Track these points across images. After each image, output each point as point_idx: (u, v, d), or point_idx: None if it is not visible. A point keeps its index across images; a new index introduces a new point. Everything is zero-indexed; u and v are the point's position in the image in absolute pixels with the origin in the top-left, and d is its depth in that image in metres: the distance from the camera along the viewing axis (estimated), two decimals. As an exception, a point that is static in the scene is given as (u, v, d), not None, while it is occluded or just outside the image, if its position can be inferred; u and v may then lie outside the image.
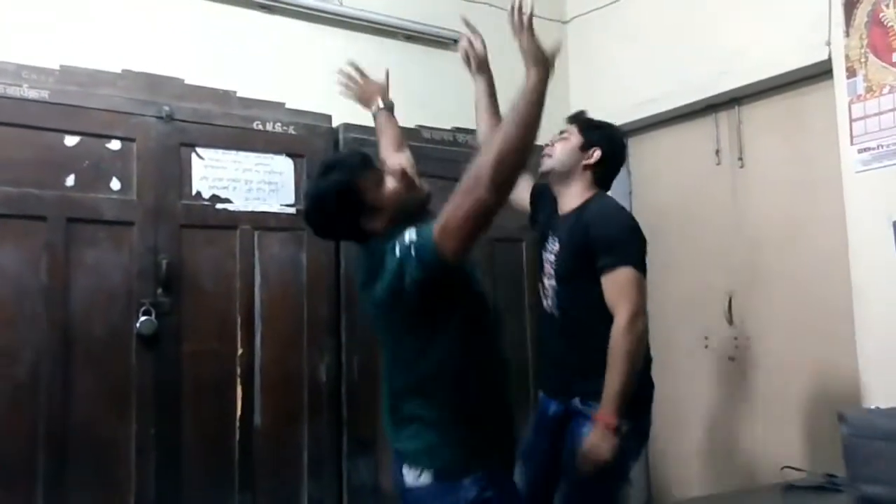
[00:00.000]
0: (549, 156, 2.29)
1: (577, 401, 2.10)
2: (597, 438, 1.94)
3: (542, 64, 1.53)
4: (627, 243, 2.08)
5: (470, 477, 1.61)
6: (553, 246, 2.24)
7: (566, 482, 2.11)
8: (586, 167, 2.24)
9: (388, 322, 1.72)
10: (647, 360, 2.18)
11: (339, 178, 1.69)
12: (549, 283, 2.22)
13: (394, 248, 1.58)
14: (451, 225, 1.49)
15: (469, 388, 1.66)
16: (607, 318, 2.03)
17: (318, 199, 1.72)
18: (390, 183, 1.71)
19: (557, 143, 2.29)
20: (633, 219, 2.21)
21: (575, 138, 2.26)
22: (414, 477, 1.66)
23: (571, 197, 2.25)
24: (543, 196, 2.42)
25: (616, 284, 2.01)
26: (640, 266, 2.06)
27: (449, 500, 1.62)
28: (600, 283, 2.05)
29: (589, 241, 2.09)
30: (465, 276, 1.67)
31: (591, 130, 2.29)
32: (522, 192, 2.46)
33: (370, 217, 1.69)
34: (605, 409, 1.95)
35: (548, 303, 2.24)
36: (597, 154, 2.24)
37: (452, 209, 1.50)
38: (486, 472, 1.63)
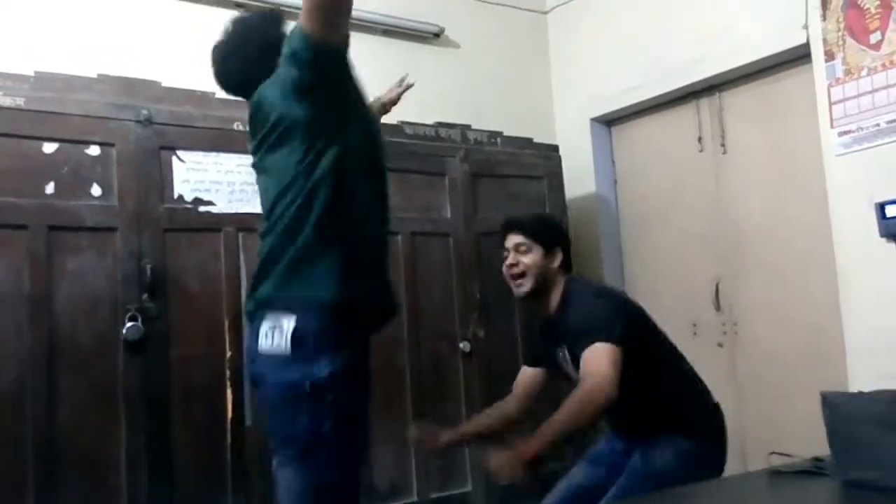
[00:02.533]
0: (522, 277, 2.15)
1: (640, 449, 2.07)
2: (506, 459, 1.82)
3: None
4: (601, 321, 2.00)
5: (328, 355, 1.53)
6: (565, 353, 2.17)
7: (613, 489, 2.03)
8: (557, 269, 2.17)
9: (275, 140, 1.65)
10: (704, 389, 2.15)
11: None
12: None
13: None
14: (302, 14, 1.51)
15: (346, 220, 1.59)
16: (647, 386, 2.02)
17: (246, 28, 1.78)
18: None
19: (523, 259, 2.15)
20: (603, 296, 2.15)
21: (536, 249, 2.15)
22: (268, 339, 1.56)
23: (554, 297, 2.18)
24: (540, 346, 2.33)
25: (587, 358, 1.94)
26: (618, 338, 1.96)
27: (294, 376, 1.53)
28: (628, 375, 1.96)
29: (581, 340, 2.01)
30: (353, 99, 1.64)
31: (544, 233, 2.19)
32: (524, 379, 2.35)
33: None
34: (532, 442, 1.84)
35: None
36: (560, 255, 2.18)
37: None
38: (348, 352, 1.55)
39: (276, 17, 1.83)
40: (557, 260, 2.17)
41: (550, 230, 2.24)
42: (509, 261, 2.18)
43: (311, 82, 1.56)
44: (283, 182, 1.64)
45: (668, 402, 2.10)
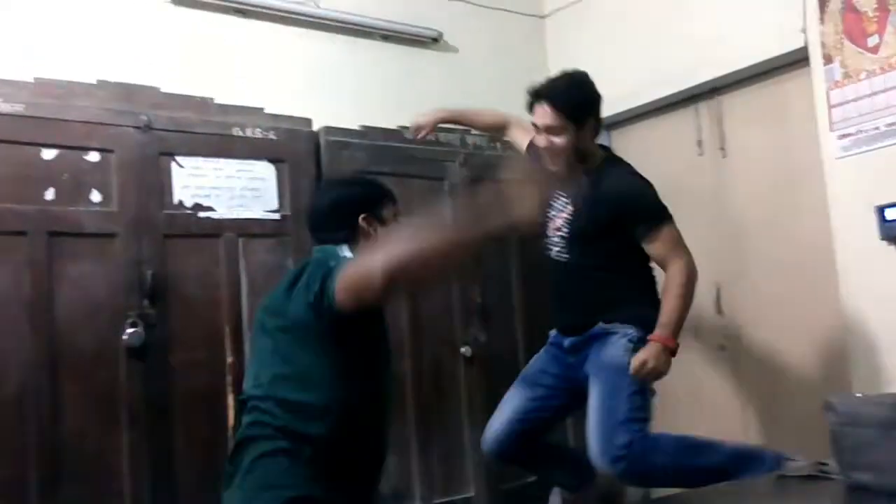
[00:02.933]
0: (553, 154, 2.14)
1: (599, 325, 2.16)
2: (652, 353, 2.04)
3: (510, 225, 1.42)
4: (657, 205, 2.16)
5: None
6: (562, 205, 2.24)
7: (596, 391, 2.12)
8: (590, 138, 2.19)
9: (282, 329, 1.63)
10: (651, 285, 2.27)
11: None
12: (557, 235, 2.24)
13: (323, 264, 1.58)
14: (346, 279, 1.47)
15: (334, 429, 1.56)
16: (623, 265, 2.17)
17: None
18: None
19: (556, 141, 2.13)
20: (645, 179, 2.24)
21: (570, 128, 2.13)
22: None
23: (588, 163, 2.22)
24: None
25: (662, 243, 2.13)
26: (671, 218, 2.16)
27: None
28: (617, 240, 2.15)
29: (618, 212, 2.14)
30: (366, 325, 1.61)
31: (578, 108, 2.16)
32: (520, 138, 2.47)
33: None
34: (665, 331, 2.06)
35: (557, 251, 2.26)
36: (592, 124, 2.20)
37: (356, 266, 1.49)
38: None
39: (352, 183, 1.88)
40: (590, 130, 2.16)
41: (583, 105, 2.17)
42: (542, 144, 2.16)
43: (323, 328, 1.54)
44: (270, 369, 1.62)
45: (636, 287, 2.22)
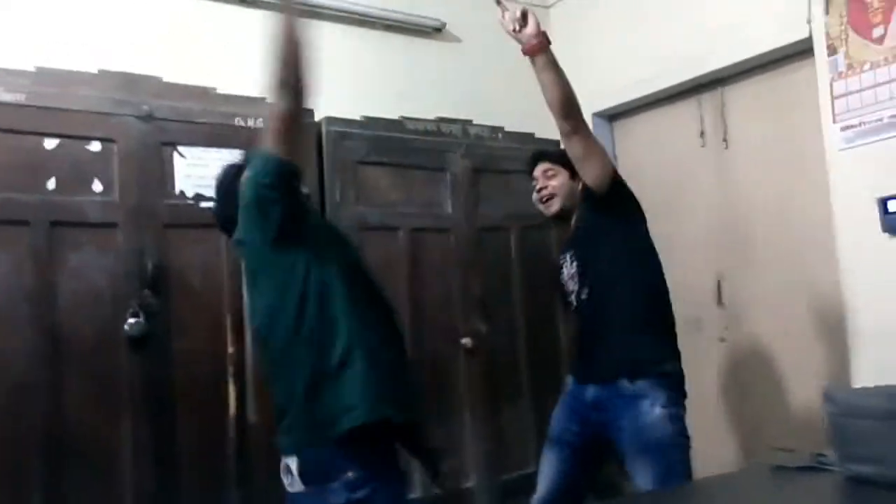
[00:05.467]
0: (552, 196, 2.33)
1: (624, 382, 2.10)
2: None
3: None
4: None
5: (338, 480, 1.55)
6: (571, 255, 2.31)
7: (649, 475, 2.06)
8: (581, 189, 2.27)
9: (254, 263, 1.75)
10: (672, 329, 2.23)
11: None
12: (571, 283, 2.28)
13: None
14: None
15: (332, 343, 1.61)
16: (636, 294, 2.16)
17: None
18: None
19: (551, 183, 2.34)
20: None
21: (563, 173, 2.33)
22: (287, 480, 1.65)
23: (576, 213, 2.33)
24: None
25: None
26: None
27: None
28: (622, 250, 2.18)
29: (588, 208, 2.22)
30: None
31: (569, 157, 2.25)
32: None
33: None
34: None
35: (574, 296, 2.27)
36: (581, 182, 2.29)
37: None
38: (363, 473, 1.56)
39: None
40: (581, 181, 2.26)
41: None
42: (538, 185, 2.37)
43: (272, 199, 1.64)
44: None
45: (656, 330, 2.17)
